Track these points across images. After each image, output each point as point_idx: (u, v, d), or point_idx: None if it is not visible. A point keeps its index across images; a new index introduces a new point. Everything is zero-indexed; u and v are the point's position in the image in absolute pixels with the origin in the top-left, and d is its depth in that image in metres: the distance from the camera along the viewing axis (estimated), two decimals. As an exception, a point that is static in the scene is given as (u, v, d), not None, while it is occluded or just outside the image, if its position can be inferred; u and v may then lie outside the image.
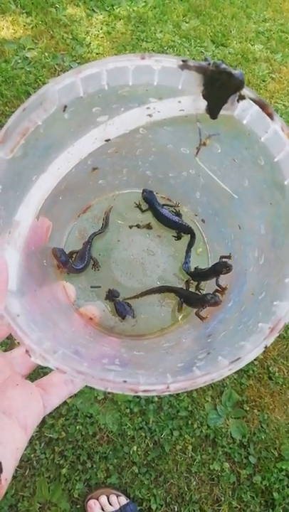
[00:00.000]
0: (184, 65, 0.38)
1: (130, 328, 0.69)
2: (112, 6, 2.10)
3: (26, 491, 1.11)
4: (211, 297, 0.63)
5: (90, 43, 1.93)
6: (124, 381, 0.36)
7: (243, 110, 0.41)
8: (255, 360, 1.36)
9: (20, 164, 0.41)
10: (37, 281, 0.52)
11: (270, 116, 0.40)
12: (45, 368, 0.36)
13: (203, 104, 0.42)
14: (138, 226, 0.75)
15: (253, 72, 2.04)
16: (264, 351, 1.20)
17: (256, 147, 0.44)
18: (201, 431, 1.24)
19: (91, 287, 0.71)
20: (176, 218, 0.75)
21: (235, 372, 1.27)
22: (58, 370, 0.36)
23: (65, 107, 0.40)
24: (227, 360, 0.38)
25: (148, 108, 0.46)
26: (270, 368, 1.35)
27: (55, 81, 0.38)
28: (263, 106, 0.40)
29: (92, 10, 2.06)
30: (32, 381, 0.43)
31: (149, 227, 0.76)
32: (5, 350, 0.44)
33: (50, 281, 0.62)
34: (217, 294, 0.64)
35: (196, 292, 0.72)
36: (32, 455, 1.15)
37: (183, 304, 0.70)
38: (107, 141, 0.51)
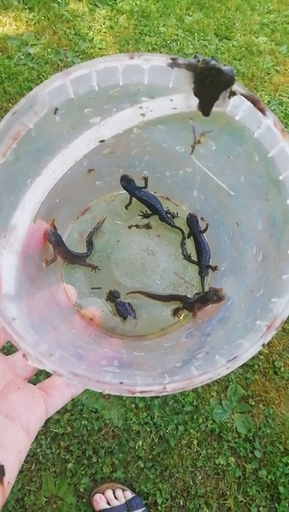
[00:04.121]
0: (174, 63, 0.38)
1: (131, 328, 0.69)
2: (115, 0, 2.08)
3: (32, 486, 1.13)
4: (212, 294, 0.59)
5: (93, 38, 1.92)
6: (121, 382, 0.36)
7: (235, 106, 0.41)
8: (260, 355, 1.36)
9: (14, 168, 0.41)
10: (36, 285, 0.52)
11: (262, 111, 0.40)
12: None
13: (195, 101, 0.42)
14: (137, 226, 0.75)
15: (258, 64, 2.01)
16: (269, 346, 1.19)
17: (250, 143, 0.43)
18: (207, 425, 1.25)
19: (92, 288, 0.71)
20: (157, 204, 0.74)
21: (240, 367, 1.27)
22: (55, 373, 0.36)
23: (56, 109, 0.40)
24: (224, 359, 0.38)
25: (140, 107, 0.46)
26: (276, 363, 1.35)
27: (45, 83, 0.38)
28: (254, 101, 0.40)
29: (95, 5, 2.05)
30: (40, 381, 0.44)
31: (148, 226, 0.75)
32: (7, 352, 0.45)
33: (49, 283, 0.62)
34: (217, 289, 0.61)
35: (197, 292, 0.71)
36: (38, 450, 1.17)
37: (180, 311, 0.70)
38: (101, 142, 0.51)
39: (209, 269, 0.73)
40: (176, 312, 0.70)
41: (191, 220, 0.74)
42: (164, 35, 2.02)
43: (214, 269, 0.71)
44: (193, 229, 0.74)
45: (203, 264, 0.73)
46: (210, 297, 0.60)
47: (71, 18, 1.95)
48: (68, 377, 0.36)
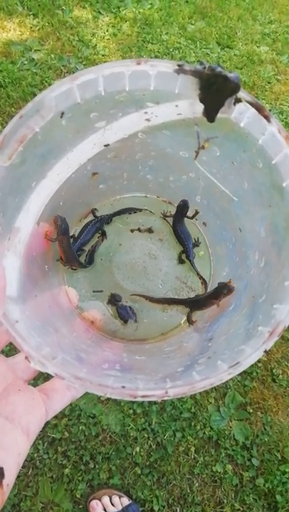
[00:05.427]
0: (180, 70, 0.38)
1: (132, 332, 0.69)
2: (118, 8, 2.10)
3: (29, 491, 1.11)
4: (222, 287, 0.60)
5: (96, 45, 1.94)
6: (123, 386, 0.36)
7: (240, 113, 0.41)
8: (258, 362, 1.35)
9: (19, 171, 0.41)
10: (38, 287, 0.52)
11: (267, 118, 0.40)
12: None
13: (200, 107, 0.42)
14: (139, 230, 0.75)
15: (259, 74, 2.03)
16: (267, 354, 1.19)
17: (254, 149, 0.44)
18: (204, 432, 1.24)
19: (93, 291, 0.71)
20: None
21: (238, 375, 1.27)
22: (57, 376, 0.36)
23: (63, 113, 0.40)
24: (226, 365, 0.38)
25: (146, 113, 0.46)
26: (274, 371, 1.35)
27: (52, 88, 0.38)
28: (259, 108, 0.40)
29: (99, 12, 2.07)
30: (41, 383, 0.44)
31: (150, 231, 0.75)
32: (6, 355, 0.44)
33: (52, 286, 0.62)
34: (225, 282, 0.61)
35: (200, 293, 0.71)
36: (35, 455, 1.16)
37: (192, 315, 0.70)
38: (106, 146, 0.52)
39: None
40: (189, 319, 0.69)
41: (181, 207, 0.73)
42: (166, 43, 2.03)
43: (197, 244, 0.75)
44: (178, 215, 0.74)
45: (187, 246, 0.74)
46: (220, 290, 0.60)
47: (75, 24, 1.97)
48: (70, 380, 0.35)
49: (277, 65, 2.09)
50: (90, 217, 0.75)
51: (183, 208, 0.72)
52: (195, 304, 0.68)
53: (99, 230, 0.74)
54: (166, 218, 0.77)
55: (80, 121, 0.44)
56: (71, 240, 0.71)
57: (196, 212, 0.75)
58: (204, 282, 0.73)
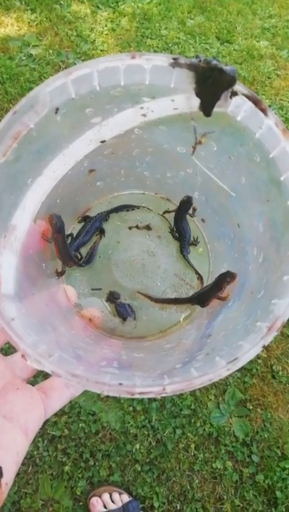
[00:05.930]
0: (175, 63, 0.38)
1: (131, 329, 0.69)
2: (117, 2, 2.09)
3: (29, 488, 1.12)
4: (225, 274, 0.59)
5: (95, 40, 1.93)
6: (120, 384, 0.36)
7: (237, 106, 0.41)
8: (258, 358, 1.35)
9: (14, 168, 0.41)
10: (35, 285, 0.52)
11: (264, 111, 0.40)
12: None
13: (196, 101, 0.41)
14: (137, 227, 0.75)
15: (259, 69, 2.01)
16: (266, 350, 1.19)
17: (251, 144, 0.43)
18: (204, 429, 1.24)
19: (92, 289, 0.71)
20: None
21: (238, 371, 1.26)
22: (53, 374, 0.36)
23: (57, 109, 0.40)
24: (224, 361, 0.38)
25: (142, 108, 0.46)
26: (274, 367, 1.35)
27: (46, 83, 0.37)
28: (256, 101, 0.40)
29: (97, 7, 2.06)
30: (41, 381, 0.43)
31: (148, 228, 0.75)
32: (5, 354, 0.44)
33: (49, 284, 0.62)
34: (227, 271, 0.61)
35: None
36: (35, 452, 1.16)
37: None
38: (102, 142, 0.51)
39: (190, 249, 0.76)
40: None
41: (185, 203, 0.73)
42: (165, 38, 2.02)
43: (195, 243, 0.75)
44: (181, 212, 0.74)
45: (184, 242, 0.74)
46: (223, 278, 0.59)
47: (73, 19, 1.95)
48: (67, 377, 0.35)
49: (277, 60, 2.08)
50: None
51: (186, 203, 0.72)
52: (200, 299, 0.67)
53: (98, 229, 0.74)
54: (165, 214, 0.76)
55: (75, 117, 0.44)
56: (69, 239, 0.71)
57: (194, 209, 0.74)
58: (200, 278, 0.73)
